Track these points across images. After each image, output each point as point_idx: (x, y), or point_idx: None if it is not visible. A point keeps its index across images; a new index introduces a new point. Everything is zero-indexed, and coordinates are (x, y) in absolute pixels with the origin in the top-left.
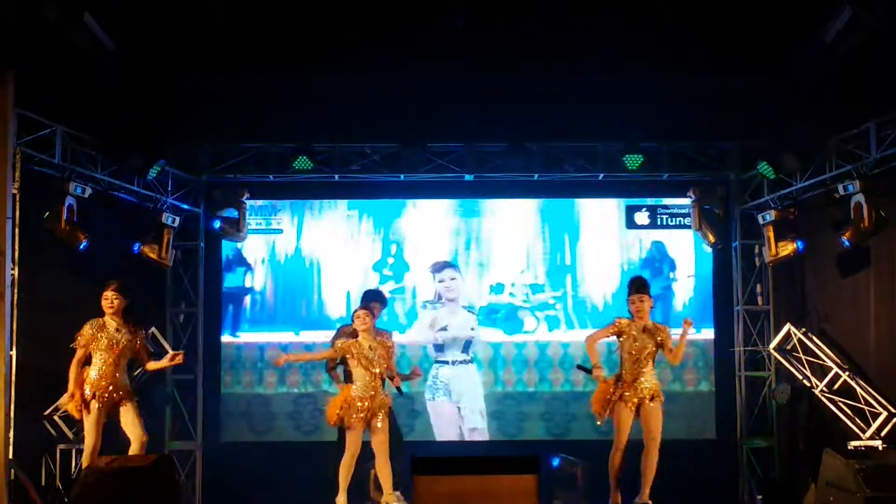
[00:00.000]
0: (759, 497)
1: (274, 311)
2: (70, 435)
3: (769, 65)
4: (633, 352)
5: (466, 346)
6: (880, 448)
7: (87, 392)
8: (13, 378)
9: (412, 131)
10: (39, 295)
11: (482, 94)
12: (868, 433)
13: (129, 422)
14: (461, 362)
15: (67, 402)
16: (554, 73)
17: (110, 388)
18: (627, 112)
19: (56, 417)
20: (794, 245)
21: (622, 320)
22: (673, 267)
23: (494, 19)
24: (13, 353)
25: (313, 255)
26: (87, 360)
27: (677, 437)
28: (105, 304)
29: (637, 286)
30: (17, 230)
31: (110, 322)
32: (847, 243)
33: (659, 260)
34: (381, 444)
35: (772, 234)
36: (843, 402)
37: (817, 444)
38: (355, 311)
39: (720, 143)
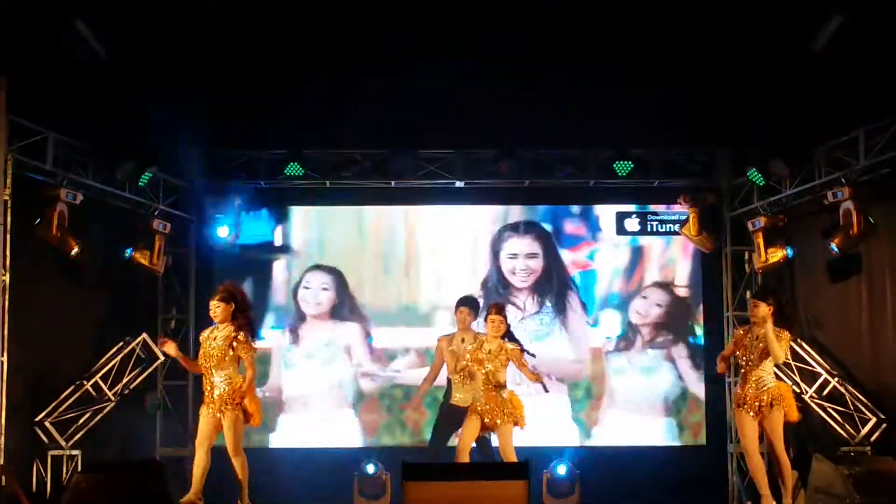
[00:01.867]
0: (749, 503)
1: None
2: (61, 441)
3: (760, 72)
4: (744, 356)
5: None
6: (869, 454)
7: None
8: (4, 384)
9: (403, 138)
10: (31, 301)
11: (473, 100)
12: (857, 439)
13: (225, 434)
14: None
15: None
16: (545, 79)
17: (214, 395)
18: (618, 119)
19: (47, 423)
20: (784, 251)
21: (738, 331)
22: None
23: (487, 25)
24: (4, 358)
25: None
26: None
27: (668, 442)
28: (210, 314)
29: (754, 293)
30: (8, 236)
31: (217, 330)
32: (836, 250)
33: None
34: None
35: (761, 241)
36: (833, 408)
37: (807, 450)
38: (488, 316)
39: (710, 149)
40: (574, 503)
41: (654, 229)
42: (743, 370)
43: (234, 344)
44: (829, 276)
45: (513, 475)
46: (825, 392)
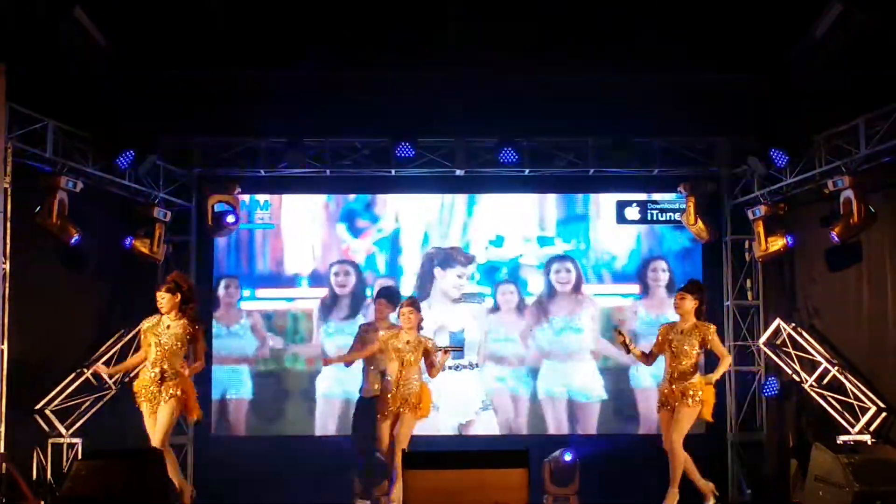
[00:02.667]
0: (749, 492)
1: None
2: (61, 429)
3: (760, 61)
4: (671, 353)
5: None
6: (869, 442)
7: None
8: (5, 372)
9: (402, 126)
10: (31, 289)
11: (473, 89)
12: (857, 427)
13: (159, 423)
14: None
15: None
16: (545, 68)
17: (154, 384)
18: (618, 107)
19: (48, 411)
20: (784, 240)
21: (664, 326)
22: None
23: (487, 16)
24: (4, 346)
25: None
26: None
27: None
28: (157, 304)
29: (683, 286)
30: (8, 224)
31: (164, 319)
32: (836, 239)
33: None
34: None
35: (762, 230)
36: (833, 397)
37: (806, 439)
38: (401, 308)
39: (710, 138)
40: (574, 491)
41: (654, 218)
42: (669, 368)
43: (191, 335)
44: (829, 265)
45: (513, 463)
46: (825, 381)
